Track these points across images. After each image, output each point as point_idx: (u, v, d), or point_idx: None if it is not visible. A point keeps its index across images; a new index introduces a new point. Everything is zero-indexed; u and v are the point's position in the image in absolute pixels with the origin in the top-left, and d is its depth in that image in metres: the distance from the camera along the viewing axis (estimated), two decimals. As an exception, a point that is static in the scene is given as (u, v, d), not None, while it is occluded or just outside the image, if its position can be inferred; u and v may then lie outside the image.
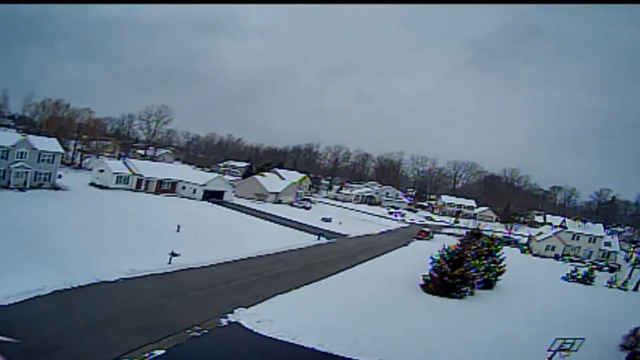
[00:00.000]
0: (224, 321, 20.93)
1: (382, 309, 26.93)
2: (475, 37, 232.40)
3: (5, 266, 21.86)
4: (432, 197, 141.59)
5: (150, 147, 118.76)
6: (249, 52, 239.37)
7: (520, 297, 35.35)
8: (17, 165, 49.32)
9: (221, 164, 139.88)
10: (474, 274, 32.24)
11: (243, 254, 36.11)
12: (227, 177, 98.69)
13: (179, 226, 40.98)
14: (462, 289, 31.30)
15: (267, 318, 21.50)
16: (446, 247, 33.05)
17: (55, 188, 52.96)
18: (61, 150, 55.39)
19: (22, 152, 49.93)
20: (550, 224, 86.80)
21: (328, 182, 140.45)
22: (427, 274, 32.40)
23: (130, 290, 23.36)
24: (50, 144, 54.13)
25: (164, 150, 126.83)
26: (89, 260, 26.29)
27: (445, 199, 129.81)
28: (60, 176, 58.92)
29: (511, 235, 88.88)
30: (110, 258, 27.43)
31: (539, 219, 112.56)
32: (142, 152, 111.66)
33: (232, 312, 21.96)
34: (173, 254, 29.75)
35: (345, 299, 27.73)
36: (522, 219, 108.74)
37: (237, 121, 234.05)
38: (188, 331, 19.18)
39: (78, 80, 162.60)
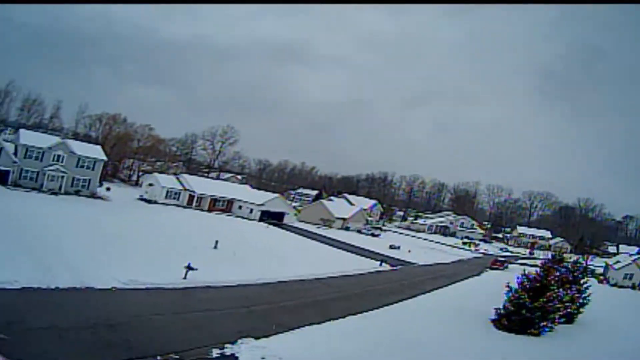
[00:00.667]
0: (216, 352, 15.54)
1: (436, 348, 20.74)
2: (544, 65, 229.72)
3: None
4: (507, 230, 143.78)
5: (215, 170, 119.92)
6: (323, 81, 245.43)
7: (610, 335, 29.60)
8: (52, 168, 49.11)
9: (292, 192, 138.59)
10: (557, 305, 27.25)
11: (285, 276, 31.40)
12: (295, 204, 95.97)
13: (216, 242, 37.25)
14: (541, 324, 26.34)
15: (277, 354, 15.74)
16: (526, 272, 28.36)
17: (94, 197, 52.29)
18: (104, 157, 54.85)
19: (58, 155, 49.80)
20: (625, 253, 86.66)
21: (402, 213, 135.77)
22: (500, 307, 27.69)
23: (117, 301, 19.45)
24: (92, 150, 54.03)
25: (229, 175, 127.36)
26: (88, 265, 23.39)
27: (521, 229, 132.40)
28: (108, 189, 59.04)
29: (588, 265, 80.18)
30: (116, 266, 24.15)
31: (612, 249, 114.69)
32: (206, 174, 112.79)
33: (233, 343, 16.57)
34: (189, 268, 25.41)
35: (392, 334, 21.67)
36: (594, 250, 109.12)
37: (310, 149, 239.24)
38: (159, 358, 14.16)
39: (143, 101, 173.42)
